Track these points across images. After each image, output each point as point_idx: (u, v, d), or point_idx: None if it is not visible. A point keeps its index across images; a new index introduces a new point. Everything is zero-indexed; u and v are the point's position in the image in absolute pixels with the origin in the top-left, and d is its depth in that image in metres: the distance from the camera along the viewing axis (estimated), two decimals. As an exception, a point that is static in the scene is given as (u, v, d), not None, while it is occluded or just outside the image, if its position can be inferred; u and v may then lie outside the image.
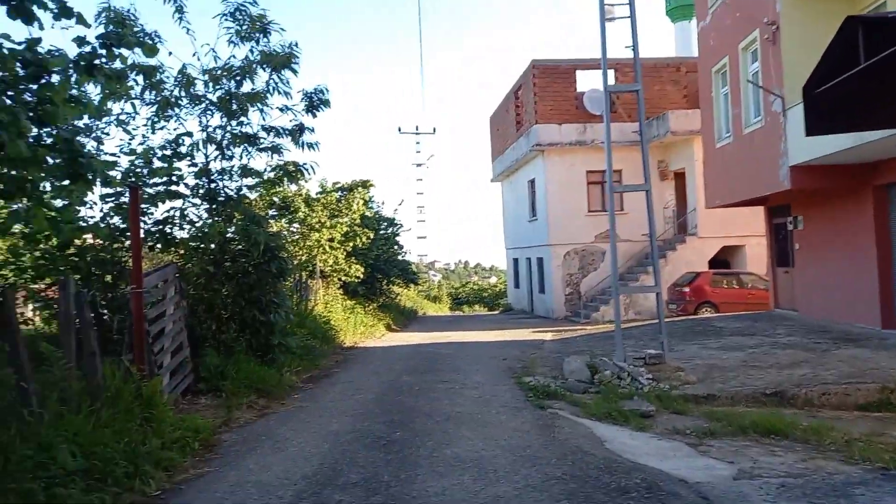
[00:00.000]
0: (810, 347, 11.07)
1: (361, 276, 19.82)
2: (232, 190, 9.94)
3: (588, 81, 24.34)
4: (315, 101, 10.49)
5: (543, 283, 25.31)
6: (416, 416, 7.27)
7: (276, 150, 9.98)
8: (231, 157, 9.84)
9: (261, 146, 9.88)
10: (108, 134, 8.04)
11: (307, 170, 10.48)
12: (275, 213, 18.97)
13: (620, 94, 23.60)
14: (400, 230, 26.31)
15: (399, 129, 43.96)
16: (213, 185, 9.78)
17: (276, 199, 18.18)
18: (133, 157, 8.66)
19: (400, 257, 26.47)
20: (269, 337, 9.50)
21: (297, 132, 10.06)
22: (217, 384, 8.24)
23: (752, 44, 13.91)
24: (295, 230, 18.96)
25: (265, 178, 10.92)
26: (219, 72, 9.81)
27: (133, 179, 8.98)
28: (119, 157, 8.46)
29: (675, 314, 20.23)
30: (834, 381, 8.44)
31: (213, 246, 9.33)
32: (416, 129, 43.83)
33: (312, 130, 10.25)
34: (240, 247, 9.65)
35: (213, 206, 9.90)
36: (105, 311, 7.90)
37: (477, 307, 44.79)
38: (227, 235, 9.74)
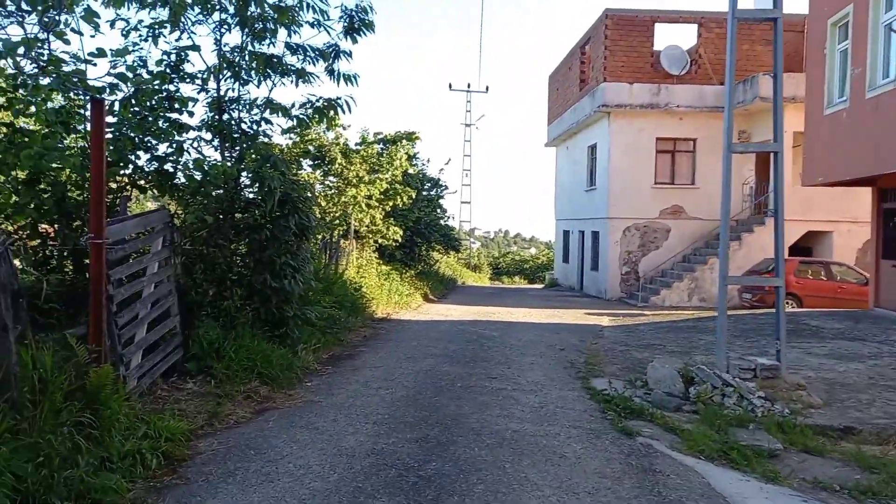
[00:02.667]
0: (951, 365, 8.83)
1: (399, 239, 18.00)
2: (248, 124, 8.11)
3: (665, 38, 21.75)
4: (356, 23, 8.54)
5: (597, 259, 23.13)
6: (459, 434, 5.43)
7: (301, 75, 8.06)
8: (247, 82, 7.97)
9: (285, 69, 7.97)
10: (82, 33, 6.16)
11: (341, 106, 8.56)
12: (310, 164, 17.35)
13: (702, 53, 20.97)
14: (445, 192, 24.33)
15: (450, 86, 41.65)
16: (224, 117, 7.96)
17: (311, 147, 16.50)
18: (120, 62, 6.82)
19: (442, 221, 24.56)
20: (282, 307, 7.75)
21: (330, 55, 8.13)
22: (210, 364, 6.55)
23: (893, -15, 11.32)
24: (331, 184, 17.22)
25: (292, 114, 9.12)
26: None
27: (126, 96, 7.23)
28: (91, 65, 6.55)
29: (749, 305, 17.93)
30: None
31: (219, 192, 7.54)
32: (468, 86, 41.44)
33: (350, 55, 8.31)
34: (252, 195, 7.87)
35: (225, 143, 8.10)
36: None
37: (517, 279, 43.01)
38: (241, 180, 7.96)
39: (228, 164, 7.66)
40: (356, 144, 17.80)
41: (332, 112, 8.70)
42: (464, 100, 43.37)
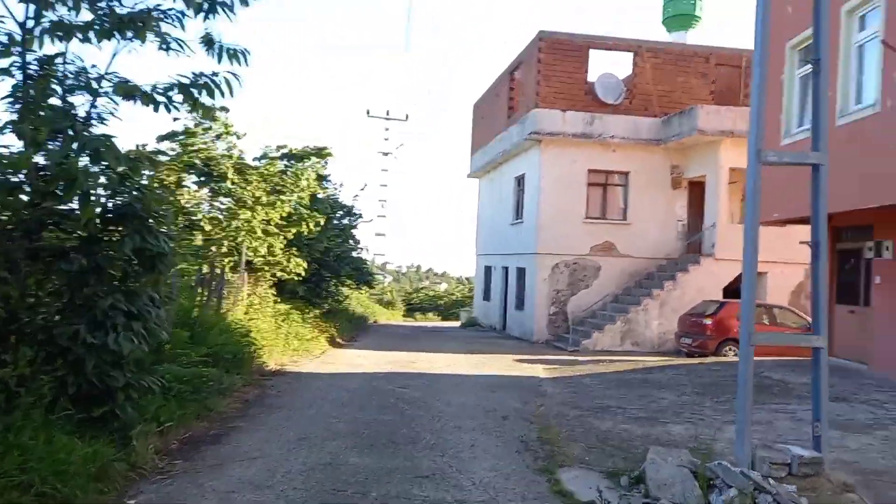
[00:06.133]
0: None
1: (303, 272, 15.32)
2: (59, 94, 5.45)
3: (600, 66, 20.57)
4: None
5: (523, 298, 21.29)
6: None
7: (149, 26, 5.52)
8: (67, 36, 5.35)
9: (123, 21, 5.42)
10: None
11: (219, 85, 6.07)
12: (196, 182, 14.51)
13: (637, 83, 19.90)
14: (359, 221, 21.88)
15: (367, 112, 39.54)
16: (26, 83, 5.29)
17: (196, 160, 13.70)
18: None
19: (355, 254, 22.03)
20: (107, 375, 5.07)
21: (202, 5, 5.68)
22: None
23: (867, 3, 10.21)
24: (222, 206, 14.41)
25: (153, 97, 6.53)
26: None
27: None
28: None
29: (688, 352, 16.48)
30: None
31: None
32: (387, 114, 39.48)
33: (231, 9, 5.89)
34: (61, 204, 5.21)
35: (32, 127, 5.41)
36: None
37: (430, 315, 41.04)
38: (47, 176, 5.28)
39: (26, 153, 4.98)
40: (255, 160, 15.14)
41: (205, 93, 6.20)
42: (382, 127, 41.20)
